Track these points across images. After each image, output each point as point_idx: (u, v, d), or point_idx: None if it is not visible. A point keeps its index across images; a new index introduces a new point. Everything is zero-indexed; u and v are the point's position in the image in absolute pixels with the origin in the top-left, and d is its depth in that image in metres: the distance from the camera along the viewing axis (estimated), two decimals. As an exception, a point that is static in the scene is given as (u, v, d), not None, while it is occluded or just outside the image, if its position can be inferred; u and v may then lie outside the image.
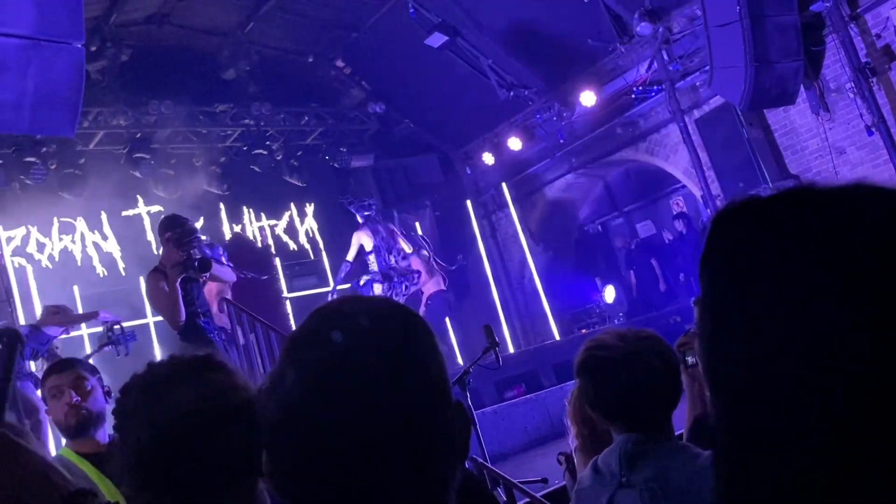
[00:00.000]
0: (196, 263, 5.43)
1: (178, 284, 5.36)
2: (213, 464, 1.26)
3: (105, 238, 10.11)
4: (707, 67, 8.25)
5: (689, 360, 2.55)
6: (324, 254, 11.99)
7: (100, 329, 7.89)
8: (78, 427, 2.84)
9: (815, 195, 0.65)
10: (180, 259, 5.40)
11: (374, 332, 0.92)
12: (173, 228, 5.53)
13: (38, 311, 8.97)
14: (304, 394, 0.88)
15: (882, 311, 0.58)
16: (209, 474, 1.26)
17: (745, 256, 0.65)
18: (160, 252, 5.87)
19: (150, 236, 10.33)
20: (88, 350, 8.13)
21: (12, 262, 9.06)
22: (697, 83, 9.90)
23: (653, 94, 10.39)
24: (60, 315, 7.03)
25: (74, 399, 2.84)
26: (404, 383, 0.89)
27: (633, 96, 10.57)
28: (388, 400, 0.87)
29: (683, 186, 11.59)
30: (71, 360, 3.28)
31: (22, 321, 8.36)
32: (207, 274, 5.57)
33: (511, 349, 11.96)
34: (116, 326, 7.03)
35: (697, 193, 10.49)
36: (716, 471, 0.67)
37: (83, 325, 8.63)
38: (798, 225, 0.63)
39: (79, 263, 9.85)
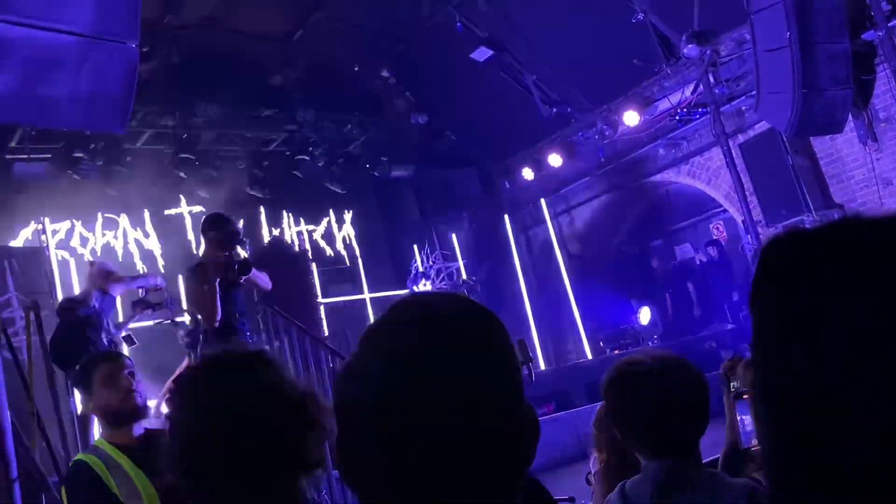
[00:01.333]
0: (236, 265, 5.46)
1: (217, 284, 5.39)
2: (258, 456, 1.29)
3: (147, 235, 10.28)
4: (754, 92, 8.16)
5: (735, 385, 2.50)
6: (360, 261, 12.06)
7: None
8: (133, 412, 2.89)
9: (866, 224, 0.66)
10: (221, 259, 5.43)
11: (456, 327, 0.92)
12: (217, 228, 5.56)
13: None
14: (383, 382, 0.88)
15: None
16: (253, 466, 1.29)
17: (801, 286, 0.66)
18: (200, 250, 5.91)
19: (191, 235, 10.48)
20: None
21: (56, 254, 9.24)
22: (743, 107, 9.80)
23: (697, 116, 10.31)
24: (116, 275, 6.64)
25: (133, 384, 2.92)
26: (483, 379, 0.89)
27: (677, 118, 10.49)
28: (466, 394, 0.87)
29: (724, 211, 11.47)
30: (118, 352, 3.39)
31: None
32: (245, 277, 5.59)
33: (543, 366, 11.90)
34: (161, 290, 6.72)
35: (738, 218, 10.36)
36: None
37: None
38: (851, 253, 0.64)
39: (119, 259, 10.01)
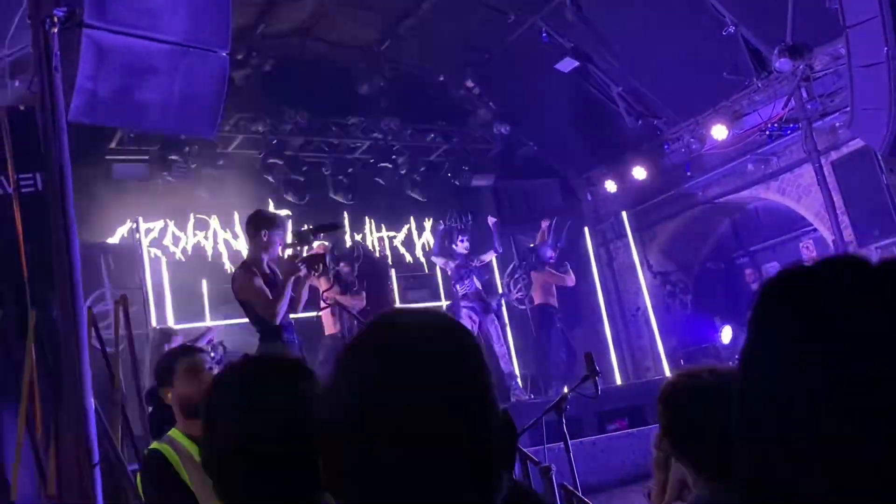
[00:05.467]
0: (303, 264, 5.42)
1: (290, 281, 5.21)
2: (291, 474, 1.31)
3: (236, 237, 10.62)
4: (847, 108, 7.89)
5: None
6: (438, 269, 12.15)
7: None
8: None
9: (862, 270, 0.67)
10: (292, 257, 5.40)
11: (422, 343, 0.96)
12: (278, 226, 5.42)
13: (168, 299, 9.53)
14: (356, 400, 0.93)
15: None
16: (286, 483, 1.31)
17: (780, 327, 0.68)
18: (286, 252, 5.72)
19: (278, 238, 10.75)
20: None
21: (149, 251, 9.65)
22: (837, 124, 9.47)
23: (788, 132, 10.02)
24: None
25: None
26: (450, 392, 0.93)
27: (767, 133, 10.22)
28: (434, 407, 0.91)
29: (815, 230, 11.09)
30: (200, 347, 3.52)
31: (152, 308, 8.90)
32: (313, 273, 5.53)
33: (619, 381, 11.73)
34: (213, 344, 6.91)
35: (829, 238, 10.01)
36: None
37: None
38: (830, 303, 0.65)
39: (209, 259, 10.39)
